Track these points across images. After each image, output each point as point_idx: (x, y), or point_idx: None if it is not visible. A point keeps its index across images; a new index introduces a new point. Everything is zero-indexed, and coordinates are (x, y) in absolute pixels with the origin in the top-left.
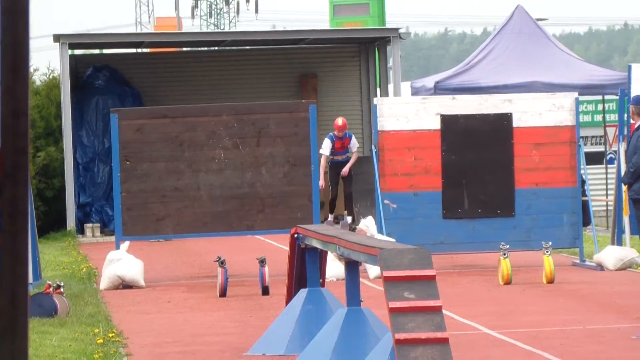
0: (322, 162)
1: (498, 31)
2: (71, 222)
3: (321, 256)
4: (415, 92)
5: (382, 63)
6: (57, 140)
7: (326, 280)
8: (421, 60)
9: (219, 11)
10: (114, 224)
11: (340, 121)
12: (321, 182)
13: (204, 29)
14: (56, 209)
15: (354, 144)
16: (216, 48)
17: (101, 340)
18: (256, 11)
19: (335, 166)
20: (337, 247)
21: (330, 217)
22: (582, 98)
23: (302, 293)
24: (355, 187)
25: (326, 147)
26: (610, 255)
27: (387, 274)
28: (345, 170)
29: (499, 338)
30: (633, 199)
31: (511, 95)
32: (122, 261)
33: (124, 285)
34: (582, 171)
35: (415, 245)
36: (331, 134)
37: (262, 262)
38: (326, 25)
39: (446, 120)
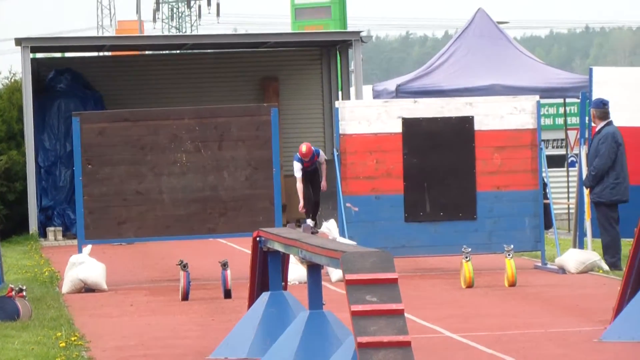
0: (299, 185)
1: (459, 34)
2: (33, 226)
3: (283, 259)
4: (377, 95)
5: (343, 66)
6: (19, 144)
7: (288, 283)
8: (383, 63)
9: (180, 14)
10: (76, 227)
11: (304, 148)
12: (301, 206)
13: (166, 32)
14: (18, 212)
15: (322, 157)
16: (178, 51)
17: (64, 344)
18: (218, 14)
19: (304, 174)
20: (299, 251)
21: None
22: (543, 101)
23: (265, 296)
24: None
25: (297, 169)
26: (572, 259)
27: (349, 277)
28: (324, 185)
29: (461, 341)
30: (595, 202)
31: (473, 99)
32: (84, 265)
33: (87, 288)
34: (543, 174)
35: (378, 249)
36: (297, 155)
37: (224, 265)
38: (288, 29)
39: (408, 123)
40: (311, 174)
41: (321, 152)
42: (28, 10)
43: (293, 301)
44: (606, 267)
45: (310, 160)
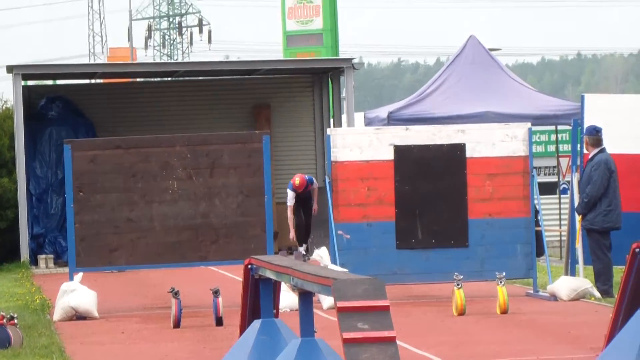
0: (289, 214)
1: (451, 61)
2: (24, 253)
3: (275, 287)
4: (369, 122)
5: (335, 93)
6: (11, 172)
7: (280, 311)
8: (375, 90)
9: (172, 41)
10: (67, 255)
11: (297, 181)
12: (291, 235)
13: (157, 60)
14: (9, 240)
15: (315, 184)
16: (169, 78)
17: None
18: (209, 41)
19: (297, 200)
20: (290, 278)
21: (284, 249)
22: (535, 128)
23: (256, 324)
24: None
25: (290, 198)
26: (564, 286)
27: (340, 304)
28: (315, 208)
29: None
30: (587, 229)
31: (464, 126)
32: (75, 292)
33: (78, 316)
34: (535, 201)
35: (369, 276)
36: (291, 184)
37: (216, 292)
38: (280, 56)
39: (399, 150)
40: (304, 200)
41: (314, 180)
42: (19, 37)
43: (284, 329)
44: (598, 295)
45: (304, 190)
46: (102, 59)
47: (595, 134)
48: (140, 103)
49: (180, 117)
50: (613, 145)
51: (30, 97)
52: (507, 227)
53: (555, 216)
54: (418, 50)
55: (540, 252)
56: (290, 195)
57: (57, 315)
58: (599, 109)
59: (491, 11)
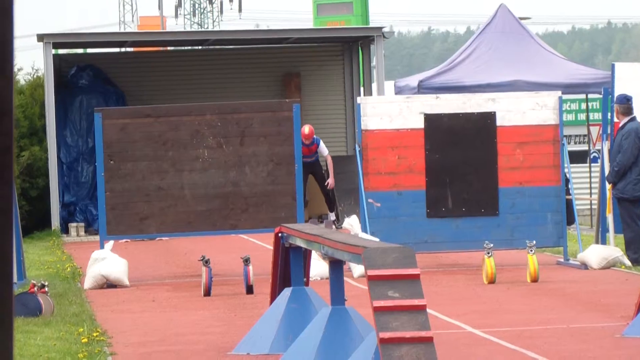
0: None
1: (481, 30)
2: (55, 222)
3: (305, 255)
4: (399, 91)
5: (365, 62)
6: (41, 140)
7: (310, 279)
8: (405, 59)
9: (202, 10)
10: (98, 223)
11: (307, 129)
12: None
13: (188, 28)
14: (40, 208)
15: (322, 149)
16: (200, 47)
17: (85, 340)
18: (240, 10)
19: (303, 166)
20: (321, 246)
21: (314, 217)
22: (565, 97)
23: (286, 292)
24: (339, 186)
25: None
26: (595, 254)
27: (371, 272)
28: (331, 183)
29: (483, 337)
30: (617, 197)
31: (495, 94)
32: (106, 260)
33: (108, 284)
34: (565, 170)
35: (399, 244)
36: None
37: (246, 261)
38: (310, 25)
39: (430, 119)
40: (312, 165)
41: (322, 144)
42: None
43: (315, 297)
44: (628, 263)
45: (309, 146)
46: (132, 28)
47: (625, 102)
48: (170, 72)
49: (210, 85)
50: None
51: (60, 66)
52: (537, 196)
53: (586, 185)
54: (448, 19)
55: (570, 220)
56: None
57: (87, 283)
58: (630, 78)
59: None
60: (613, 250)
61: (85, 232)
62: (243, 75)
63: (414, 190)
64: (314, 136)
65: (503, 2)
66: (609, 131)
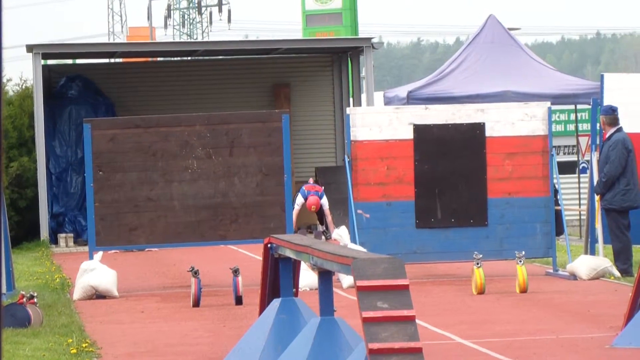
0: (294, 215)
1: (471, 41)
2: (44, 232)
3: (294, 266)
4: (388, 101)
5: (354, 73)
6: (30, 151)
7: (299, 289)
8: (394, 69)
9: (191, 21)
10: (87, 234)
11: (312, 201)
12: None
13: (177, 39)
14: (29, 219)
15: (325, 204)
16: (189, 58)
17: (75, 351)
18: (229, 21)
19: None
20: (310, 257)
21: (304, 228)
22: (554, 107)
23: (276, 303)
24: (329, 197)
25: (298, 204)
26: (584, 265)
27: (360, 283)
28: (332, 229)
29: (473, 347)
30: (606, 208)
31: (484, 105)
32: (95, 271)
33: (98, 295)
34: (554, 180)
35: (389, 255)
36: (303, 188)
37: (236, 272)
38: (299, 35)
39: (419, 129)
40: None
41: (324, 198)
42: (39, 16)
43: (304, 308)
44: (617, 274)
45: (313, 195)
46: (121, 39)
47: (611, 113)
48: (160, 82)
49: (199, 96)
50: (632, 124)
51: (50, 76)
52: (526, 206)
53: (575, 195)
54: (437, 30)
55: (559, 231)
56: (299, 201)
57: (76, 294)
58: (618, 89)
59: None
60: (602, 260)
61: (75, 242)
62: (232, 85)
63: (403, 200)
64: (320, 199)
65: (492, 12)
66: (597, 142)
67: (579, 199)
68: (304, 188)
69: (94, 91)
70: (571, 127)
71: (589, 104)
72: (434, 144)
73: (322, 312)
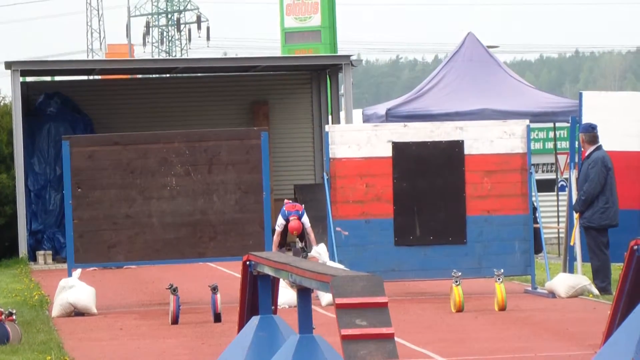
0: (275, 238)
1: (449, 58)
2: (23, 249)
3: (273, 283)
4: (367, 119)
5: (333, 90)
6: (9, 168)
7: (278, 307)
8: (373, 87)
9: (170, 38)
10: (66, 251)
11: (294, 224)
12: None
13: (156, 56)
14: (8, 236)
15: (307, 223)
16: (168, 75)
17: None
18: (208, 38)
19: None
20: (289, 274)
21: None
22: (533, 125)
23: (254, 320)
24: (307, 214)
25: (280, 225)
26: (562, 283)
27: (339, 301)
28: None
29: None
30: (585, 226)
31: (463, 123)
32: (74, 288)
33: (76, 312)
34: (533, 198)
35: (368, 273)
36: (284, 209)
37: (214, 289)
38: (278, 52)
39: (398, 147)
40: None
41: (305, 217)
42: (17, 33)
43: (283, 325)
44: (596, 292)
45: (294, 215)
46: (100, 56)
47: (591, 131)
48: (139, 99)
49: (178, 113)
50: (611, 142)
51: (28, 93)
52: (505, 224)
53: (554, 213)
54: (416, 47)
55: (538, 249)
56: (280, 222)
57: (55, 311)
58: (597, 107)
59: (489, 8)
60: (581, 278)
61: (53, 260)
62: (211, 103)
63: (382, 218)
64: (301, 220)
65: (471, 30)
66: (576, 160)
67: (558, 216)
68: (284, 209)
69: (72, 108)
70: (550, 145)
71: (568, 122)
72: (413, 161)
73: (301, 330)
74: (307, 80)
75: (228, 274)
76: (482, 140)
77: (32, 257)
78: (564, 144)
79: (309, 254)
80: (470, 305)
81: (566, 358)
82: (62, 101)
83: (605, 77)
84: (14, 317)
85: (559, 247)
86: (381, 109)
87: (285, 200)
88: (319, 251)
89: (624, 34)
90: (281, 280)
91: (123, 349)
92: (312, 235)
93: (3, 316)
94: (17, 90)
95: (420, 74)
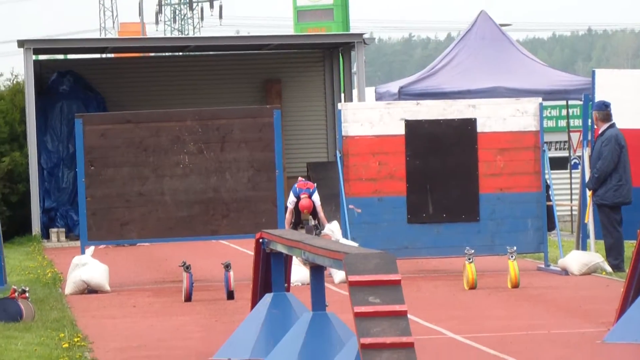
0: (287, 215)
1: (462, 37)
2: (36, 227)
3: (286, 261)
4: (380, 97)
5: (346, 68)
6: (22, 146)
7: (291, 284)
8: (385, 65)
9: (182, 17)
10: (79, 228)
11: (305, 203)
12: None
13: (168, 35)
14: (21, 214)
15: (316, 199)
16: (180, 53)
17: (66, 345)
18: (220, 17)
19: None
20: (302, 252)
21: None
22: (546, 103)
23: (267, 297)
24: (320, 192)
25: (291, 202)
26: (575, 260)
27: (352, 278)
28: (324, 223)
29: (464, 342)
30: (598, 204)
31: (475, 101)
32: (87, 266)
33: (89, 290)
34: (546, 176)
35: (380, 250)
36: (295, 187)
37: (227, 266)
38: (290, 31)
39: (410, 125)
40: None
41: (316, 194)
42: (30, 12)
43: (296, 302)
44: (609, 269)
45: (305, 193)
46: (112, 34)
47: (604, 109)
48: (151, 78)
49: (190, 91)
50: (623, 120)
51: (41, 71)
52: (518, 202)
53: (567, 191)
54: (429, 26)
55: (551, 226)
56: (291, 199)
57: (68, 289)
58: (610, 85)
59: None
60: (594, 256)
61: (66, 237)
62: (223, 81)
63: (394, 196)
64: (311, 198)
65: (483, 8)
66: (589, 137)
67: (571, 194)
68: (295, 186)
69: (85, 86)
70: (563, 122)
71: (581, 100)
72: (426, 139)
73: (314, 307)
74: (320, 58)
75: (241, 251)
76: (495, 118)
77: (45, 235)
78: (576, 122)
79: (322, 231)
80: (483, 282)
81: (579, 335)
82: (74, 79)
83: (618, 55)
84: (27, 294)
85: (572, 225)
86: (394, 87)
87: (299, 178)
88: (332, 229)
89: (637, 12)
90: (294, 257)
91: (136, 327)
92: (321, 214)
93: (16, 294)
94: (29, 69)
95: (433, 52)
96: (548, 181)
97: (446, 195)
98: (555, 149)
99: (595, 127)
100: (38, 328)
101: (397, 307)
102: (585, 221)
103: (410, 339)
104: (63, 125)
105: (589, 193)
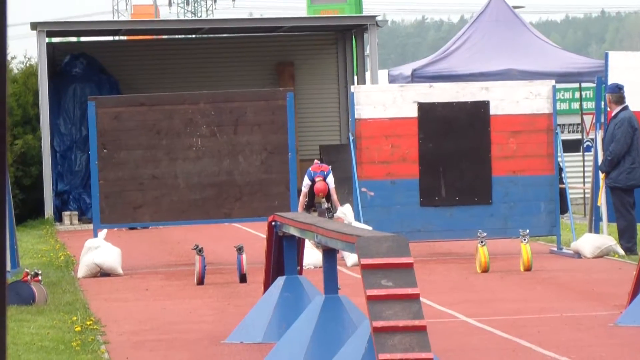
0: (301, 199)
1: (475, 19)
2: (49, 210)
3: (299, 244)
4: (393, 80)
5: (359, 51)
6: (35, 129)
7: (303, 267)
8: (398, 48)
9: None
10: (91, 211)
11: (320, 186)
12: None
13: (181, 17)
14: (34, 197)
15: (331, 182)
16: (193, 36)
17: (79, 328)
18: None
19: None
20: (314, 235)
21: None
22: (559, 86)
23: (280, 281)
24: (333, 175)
25: (306, 185)
26: (588, 243)
27: (364, 261)
28: (337, 206)
29: (477, 326)
30: (611, 186)
31: (488, 83)
32: (100, 249)
33: (102, 273)
34: (559, 159)
35: (393, 233)
36: (309, 170)
37: (240, 249)
38: (303, 13)
39: (423, 108)
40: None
41: (330, 176)
42: None
43: (308, 286)
44: (622, 252)
45: (319, 176)
46: (125, 16)
47: (617, 91)
48: (164, 60)
49: (203, 74)
50: (636, 102)
51: (54, 54)
52: (530, 185)
53: (579, 173)
54: (442, 8)
55: (564, 209)
56: (306, 182)
57: (81, 272)
58: (623, 67)
59: None
60: (606, 239)
61: (79, 220)
62: (237, 64)
63: (407, 179)
64: (326, 181)
65: None
66: (602, 120)
67: (584, 177)
68: (310, 169)
69: (98, 69)
70: (576, 105)
71: (594, 83)
72: (439, 122)
73: (326, 290)
74: (333, 40)
75: (253, 234)
76: (508, 100)
77: (58, 218)
78: (589, 105)
79: (334, 214)
80: (496, 265)
81: (592, 318)
82: (87, 62)
83: (631, 38)
84: (39, 277)
85: (585, 208)
86: (407, 69)
87: (315, 161)
88: (345, 212)
89: None
90: (307, 240)
91: (148, 310)
92: (335, 197)
93: (29, 277)
94: (42, 51)
95: (446, 34)
96: (561, 164)
97: (459, 178)
98: (568, 132)
99: (609, 109)
100: (51, 311)
101: (409, 290)
102: (598, 204)
103: (422, 322)
104: (76, 108)
105: (601, 176)
